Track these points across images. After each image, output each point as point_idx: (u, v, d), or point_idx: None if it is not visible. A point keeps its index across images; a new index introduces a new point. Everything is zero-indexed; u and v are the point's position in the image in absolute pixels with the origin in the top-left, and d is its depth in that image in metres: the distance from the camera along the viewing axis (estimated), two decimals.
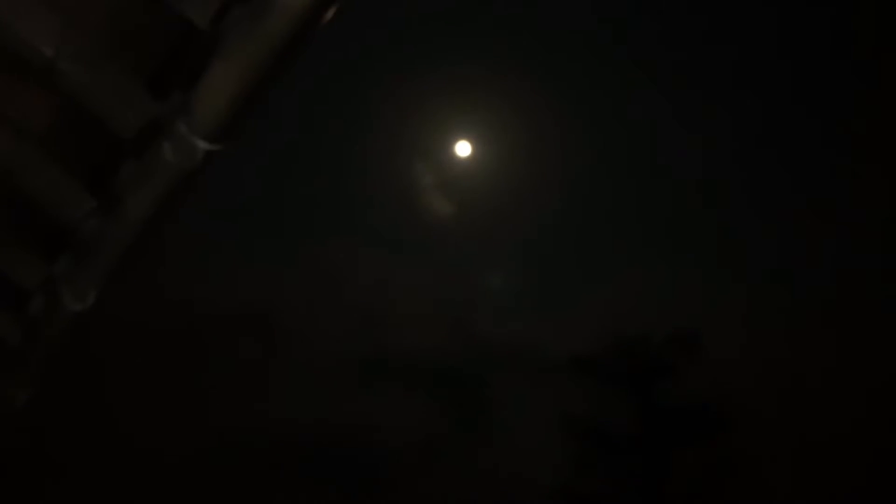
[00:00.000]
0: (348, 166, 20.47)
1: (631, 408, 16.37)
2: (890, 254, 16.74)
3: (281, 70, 1.50)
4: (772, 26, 18.96)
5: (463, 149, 17.99)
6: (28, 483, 13.62)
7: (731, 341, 17.01)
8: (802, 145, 19.91)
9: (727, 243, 19.67)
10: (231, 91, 1.51)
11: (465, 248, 20.49)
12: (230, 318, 19.40)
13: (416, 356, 19.87)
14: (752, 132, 20.46)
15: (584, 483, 16.07)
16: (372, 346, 20.05)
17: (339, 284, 20.48)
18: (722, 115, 20.24)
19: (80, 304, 1.91)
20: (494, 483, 17.06)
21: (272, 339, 19.94)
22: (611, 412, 16.43)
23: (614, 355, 16.69)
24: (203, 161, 1.62)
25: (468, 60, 18.34)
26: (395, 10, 18.04)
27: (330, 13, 1.44)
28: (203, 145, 1.58)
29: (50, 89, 1.75)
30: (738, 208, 21.14)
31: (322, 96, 19.49)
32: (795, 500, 15.25)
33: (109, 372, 15.82)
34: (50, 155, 1.88)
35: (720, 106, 20.36)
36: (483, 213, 20.28)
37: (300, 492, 17.64)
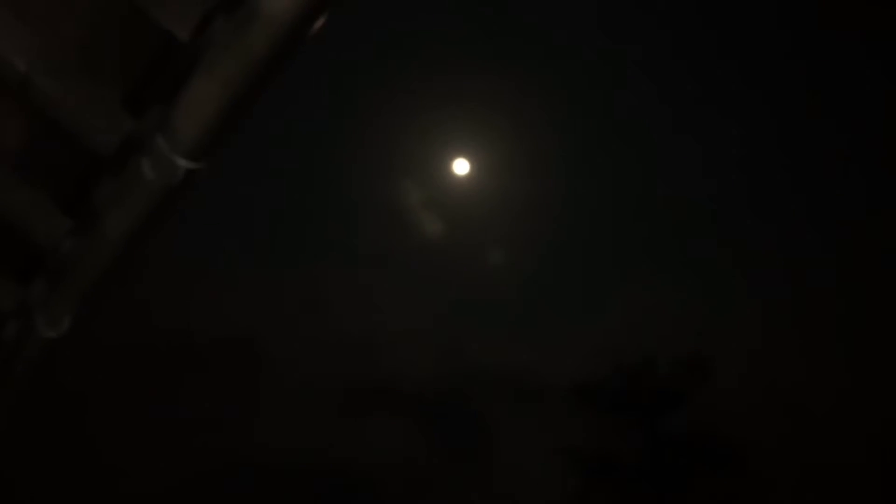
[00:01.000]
0: (337, 184, 20.48)
1: (637, 438, 16.31)
2: None
3: (265, 85, 1.50)
4: (776, 29, 19.10)
5: (460, 167, 18.06)
6: None
7: (740, 365, 17.00)
8: (820, 155, 19.96)
9: (736, 261, 19.67)
10: (213, 106, 1.51)
11: (457, 269, 20.46)
12: (214, 344, 19.35)
13: (406, 383, 19.82)
14: (763, 143, 20.55)
15: None
16: (360, 372, 20.00)
17: (326, 308, 20.46)
18: (728, 126, 20.35)
19: (54, 331, 1.90)
20: None
21: (257, 366, 19.88)
22: (615, 443, 16.36)
23: (618, 382, 16.64)
24: (184, 179, 1.62)
25: (465, 75, 18.45)
26: (388, 21, 18.14)
27: (318, 25, 1.44)
28: (183, 163, 1.58)
29: (24, 105, 1.75)
30: (748, 224, 21.16)
31: (310, 112, 19.58)
32: None
33: (90, 399, 15.79)
34: (23, 173, 1.88)
35: (726, 118, 20.46)
36: (477, 233, 20.28)
37: None
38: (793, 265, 18.73)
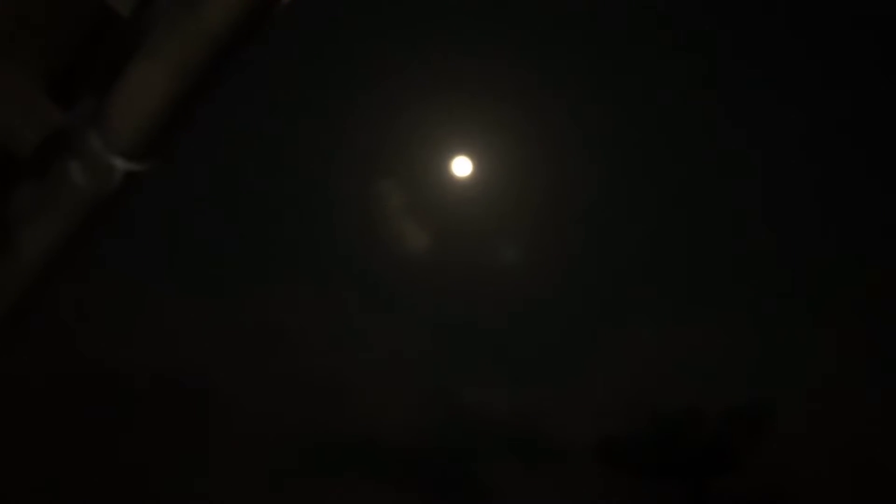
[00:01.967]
0: (306, 191, 20.49)
1: None
2: None
3: (221, 71, 1.52)
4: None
5: (460, 168, 18.12)
6: None
7: (804, 416, 16.98)
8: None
9: (796, 286, 19.67)
10: (158, 96, 1.53)
11: (448, 300, 20.42)
12: (153, 385, 19.30)
13: (385, 435, 19.74)
14: (832, 145, 20.61)
15: None
16: (329, 424, 19.92)
17: (290, 341, 20.41)
18: (767, 125, 20.38)
19: None
20: None
21: (205, 414, 19.82)
22: None
23: (653, 437, 16.64)
24: (121, 184, 1.62)
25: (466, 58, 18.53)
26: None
27: (286, 0, 1.45)
28: (121, 164, 1.59)
29: None
30: (800, 239, 21.12)
31: (276, 104, 19.60)
32: None
33: (11, 444, 15.79)
34: None
35: (761, 117, 20.49)
36: (472, 258, 20.25)
37: None
38: (870, 290, 18.75)
